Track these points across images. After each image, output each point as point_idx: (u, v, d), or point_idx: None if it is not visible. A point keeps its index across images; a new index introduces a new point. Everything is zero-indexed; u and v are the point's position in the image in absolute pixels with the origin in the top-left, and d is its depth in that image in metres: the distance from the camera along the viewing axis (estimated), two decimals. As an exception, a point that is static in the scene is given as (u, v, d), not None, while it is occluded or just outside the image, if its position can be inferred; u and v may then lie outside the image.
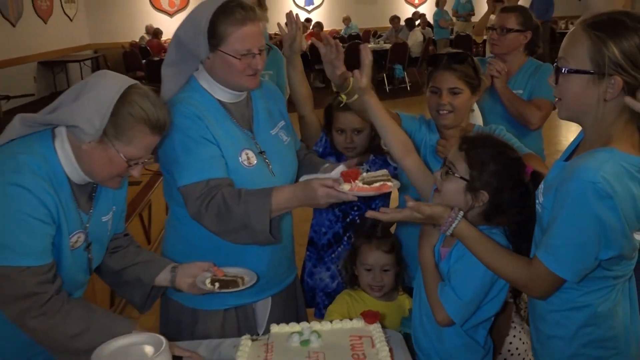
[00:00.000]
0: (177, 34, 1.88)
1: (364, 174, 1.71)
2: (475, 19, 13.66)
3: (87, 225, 1.66)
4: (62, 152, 1.54)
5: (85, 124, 1.46)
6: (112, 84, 1.51)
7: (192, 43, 1.82)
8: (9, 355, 1.63)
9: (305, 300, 2.45)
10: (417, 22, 13.96)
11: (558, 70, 1.45)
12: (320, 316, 2.40)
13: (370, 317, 1.73)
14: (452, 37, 13.14)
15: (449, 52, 2.14)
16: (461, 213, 1.57)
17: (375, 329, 1.69)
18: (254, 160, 1.90)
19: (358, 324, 1.74)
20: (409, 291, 2.11)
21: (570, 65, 1.43)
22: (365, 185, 1.65)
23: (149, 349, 1.50)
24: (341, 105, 2.11)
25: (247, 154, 1.89)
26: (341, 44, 2.09)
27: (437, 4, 13.46)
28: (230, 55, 1.78)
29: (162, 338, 1.52)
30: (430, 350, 1.80)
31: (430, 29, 13.83)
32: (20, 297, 1.47)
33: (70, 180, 1.58)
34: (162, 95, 1.90)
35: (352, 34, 13.98)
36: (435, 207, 1.60)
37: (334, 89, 2.07)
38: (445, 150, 2.11)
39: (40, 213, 1.47)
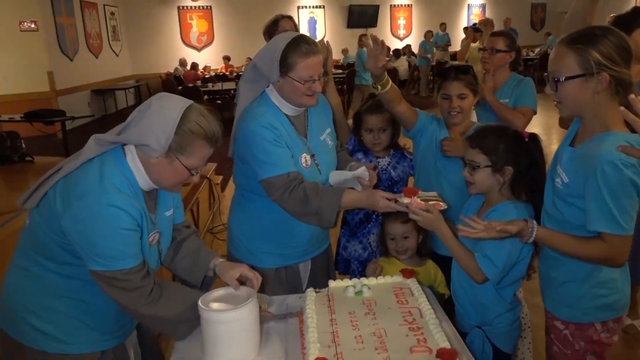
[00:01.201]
0: (254, 61, 1.98)
1: (420, 192, 1.82)
2: (452, 48, 13.82)
3: (156, 223, 1.65)
4: (134, 166, 1.53)
5: (154, 142, 1.46)
6: (174, 106, 1.49)
7: (266, 69, 1.92)
8: (106, 324, 1.65)
9: (336, 267, 2.56)
10: (403, 52, 14.10)
11: (555, 81, 1.55)
12: None
13: (407, 273, 1.83)
14: (433, 63, 13.26)
15: (454, 65, 2.27)
16: (535, 223, 1.58)
17: (413, 282, 1.79)
18: (310, 162, 2.01)
19: (398, 279, 1.83)
20: (437, 257, 2.20)
21: (563, 74, 1.53)
22: (422, 202, 1.76)
23: (242, 297, 1.59)
24: (377, 94, 2.21)
25: (305, 158, 1.99)
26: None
27: (425, 36, 13.61)
28: (296, 80, 1.89)
29: (252, 289, 1.62)
30: (465, 300, 1.89)
31: (414, 57, 13.95)
32: (129, 291, 1.50)
33: (141, 189, 1.57)
34: (238, 106, 2.00)
35: (350, 62, 14.09)
36: (516, 224, 1.57)
37: (372, 81, 2.16)
38: (449, 148, 2.22)
39: (131, 224, 1.47)
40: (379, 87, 2.14)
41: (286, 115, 2.00)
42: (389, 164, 2.52)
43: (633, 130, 1.49)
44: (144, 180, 1.55)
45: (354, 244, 2.56)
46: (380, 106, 2.39)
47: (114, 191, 1.44)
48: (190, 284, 1.79)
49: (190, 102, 1.54)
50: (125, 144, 1.53)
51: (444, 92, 2.23)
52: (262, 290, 1.89)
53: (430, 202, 1.76)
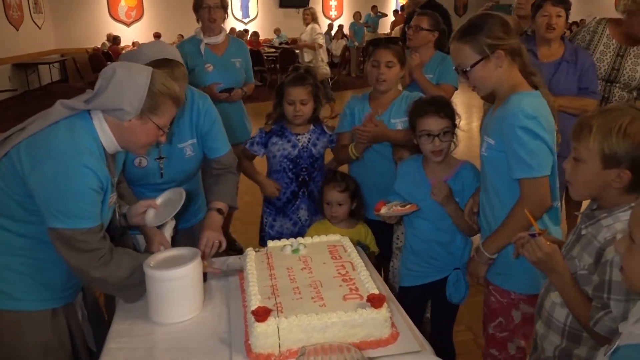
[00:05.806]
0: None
1: (391, 202, 2.06)
2: (381, 30, 14.07)
3: (115, 185, 1.68)
4: (101, 130, 1.55)
5: (127, 105, 1.51)
6: (140, 71, 1.55)
7: None
8: (58, 283, 1.66)
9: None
10: (344, 33, 14.15)
11: (464, 73, 1.77)
12: None
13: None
14: (364, 44, 13.43)
15: (386, 37, 2.42)
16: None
17: (346, 240, 1.90)
18: (145, 164, 2.04)
19: (332, 238, 1.93)
20: (368, 221, 2.34)
21: (467, 64, 1.75)
22: (400, 207, 1.99)
23: (186, 257, 1.64)
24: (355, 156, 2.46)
25: (140, 159, 2.02)
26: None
27: (353, 17, 13.74)
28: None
29: (197, 250, 1.67)
30: (443, 253, 2.11)
31: (346, 38, 14.06)
32: (84, 252, 1.51)
33: (105, 152, 1.59)
34: None
35: (282, 42, 14.03)
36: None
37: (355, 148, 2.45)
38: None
39: (97, 186, 1.50)
40: (357, 154, 2.43)
41: None
42: (309, 141, 2.49)
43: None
44: (110, 144, 1.59)
45: (284, 222, 2.57)
46: (304, 78, 2.40)
47: (86, 152, 1.48)
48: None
49: (151, 68, 1.59)
50: (90, 110, 1.55)
51: (374, 59, 2.37)
52: None
53: (407, 206, 1.99)
